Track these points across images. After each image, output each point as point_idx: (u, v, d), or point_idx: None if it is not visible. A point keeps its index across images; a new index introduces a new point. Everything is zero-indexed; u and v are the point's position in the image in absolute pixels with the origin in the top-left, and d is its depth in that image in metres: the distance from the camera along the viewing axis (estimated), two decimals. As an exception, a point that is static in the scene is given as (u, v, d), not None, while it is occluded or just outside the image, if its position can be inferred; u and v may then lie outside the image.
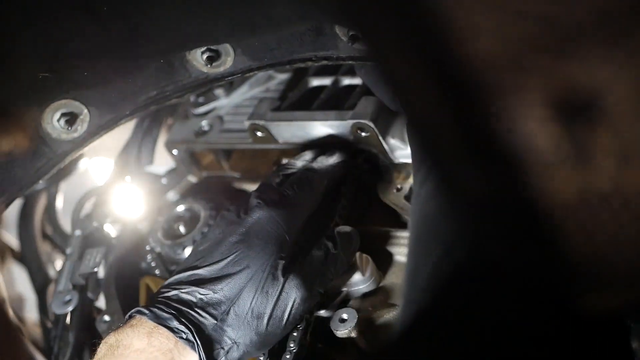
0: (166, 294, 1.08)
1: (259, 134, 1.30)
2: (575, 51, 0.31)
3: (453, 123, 0.36)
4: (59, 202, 1.57)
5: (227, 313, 1.07)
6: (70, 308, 1.30)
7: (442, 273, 0.72)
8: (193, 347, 1.03)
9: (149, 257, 1.34)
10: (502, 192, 0.36)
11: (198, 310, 1.06)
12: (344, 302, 1.16)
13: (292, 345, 1.10)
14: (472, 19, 0.31)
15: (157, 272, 1.32)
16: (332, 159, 1.24)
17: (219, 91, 1.44)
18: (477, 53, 0.31)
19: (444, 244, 0.73)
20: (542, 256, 0.38)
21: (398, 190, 1.25)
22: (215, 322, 1.06)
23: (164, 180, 1.46)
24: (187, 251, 1.30)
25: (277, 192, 1.16)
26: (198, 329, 1.04)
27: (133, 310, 1.07)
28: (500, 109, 0.33)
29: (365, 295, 1.17)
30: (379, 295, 1.17)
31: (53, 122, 1.13)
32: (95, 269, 1.31)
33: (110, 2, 0.97)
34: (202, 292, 1.07)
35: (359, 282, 1.16)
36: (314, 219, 1.20)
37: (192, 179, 1.47)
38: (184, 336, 1.03)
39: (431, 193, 0.84)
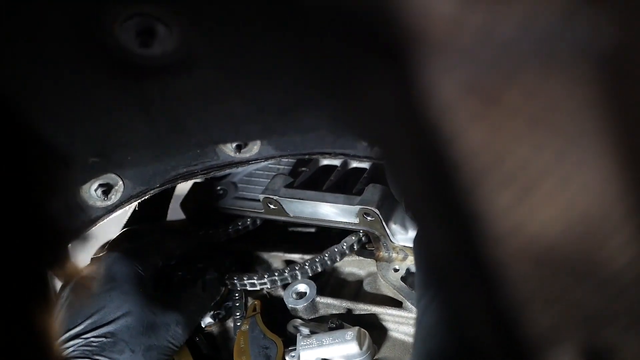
0: (63, 353, 1.18)
1: (271, 206, 1.42)
2: (600, 331, 0.45)
3: (500, 353, 0.48)
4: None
5: (124, 352, 1.20)
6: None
7: None
8: None
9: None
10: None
11: (97, 358, 1.18)
12: (341, 372, 1.29)
13: None
14: (536, 310, 0.44)
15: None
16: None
17: (234, 159, 1.55)
18: (532, 330, 0.44)
19: None
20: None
21: (396, 271, 1.38)
22: None
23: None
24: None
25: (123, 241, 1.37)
26: None
27: None
28: (540, 351, 0.45)
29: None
30: (373, 368, 1.30)
31: (90, 191, 1.24)
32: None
33: (161, 101, 1.07)
34: (96, 341, 1.19)
35: (356, 355, 1.28)
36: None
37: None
38: None
39: (435, 329, 0.96)
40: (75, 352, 1.18)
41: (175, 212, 1.60)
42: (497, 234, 0.40)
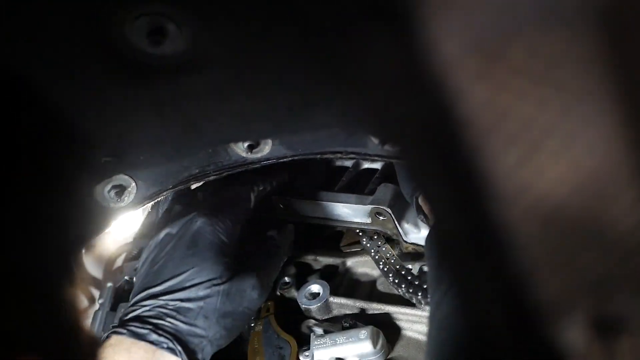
0: (137, 311, 1.20)
1: (283, 207, 1.43)
2: (609, 297, 0.45)
3: (507, 326, 0.48)
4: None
5: (197, 317, 1.20)
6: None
7: None
8: (173, 353, 1.16)
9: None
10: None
11: (171, 320, 1.19)
12: (355, 372, 1.29)
13: None
14: (544, 275, 0.44)
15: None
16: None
17: (245, 159, 1.56)
18: (540, 297, 0.44)
19: None
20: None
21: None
22: (189, 327, 1.19)
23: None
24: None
25: (208, 205, 1.34)
26: (175, 336, 1.17)
27: (109, 331, 1.19)
28: (550, 322, 0.45)
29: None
30: (387, 367, 1.30)
31: (104, 193, 1.25)
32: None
33: (173, 102, 1.08)
34: (172, 304, 1.20)
35: (370, 354, 1.28)
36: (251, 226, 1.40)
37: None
38: (165, 346, 1.16)
39: (446, 321, 0.97)
40: (151, 312, 1.20)
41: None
42: (504, 195, 0.40)
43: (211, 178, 1.32)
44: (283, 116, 1.11)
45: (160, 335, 1.16)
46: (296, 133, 1.18)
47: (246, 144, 1.24)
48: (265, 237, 1.38)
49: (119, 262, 1.55)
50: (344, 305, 1.38)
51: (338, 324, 1.35)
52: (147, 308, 1.20)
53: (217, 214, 1.31)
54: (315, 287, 1.39)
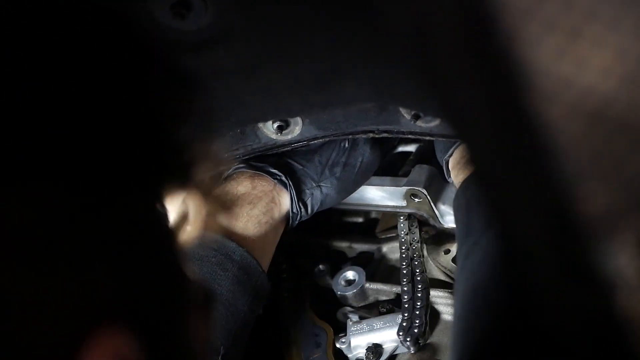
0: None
1: (316, 193, 1.40)
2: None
3: (551, 251, 0.45)
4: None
5: (311, 161, 1.26)
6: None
7: (491, 340, 0.82)
8: (284, 187, 1.24)
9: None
10: (589, 309, 0.45)
11: (287, 159, 1.27)
12: (394, 357, 1.25)
13: None
14: (590, 186, 0.40)
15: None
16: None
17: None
18: (586, 213, 0.40)
19: (495, 310, 0.82)
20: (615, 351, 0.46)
21: (447, 252, 1.34)
22: (302, 167, 1.26)
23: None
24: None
25: None
26: (289, 172, 1.25)
27: (230, 170, 1.26)
28: (597, 245, 0.42)
29: (414, 351, 1.25)
30: (426, 352, 1.25)
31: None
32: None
33: (196, 80, 1.05)
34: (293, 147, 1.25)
35: (408, 339, 1.24)
36: None
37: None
38: (278, 178, 1.23)
39: (479, 266, 0.94)
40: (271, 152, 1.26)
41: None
42: (545, 90, 0.37)
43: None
44: (312, 91, 1.08)
45: (275, 167, 1.24)
46: (326, 109, 1.15)
47: (275, 125, 1.20)
48: None
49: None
50: (380, 291, 1.34)
51: (375, 311, 1.32)
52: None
53: None
54: (350, 274, 1.36)
